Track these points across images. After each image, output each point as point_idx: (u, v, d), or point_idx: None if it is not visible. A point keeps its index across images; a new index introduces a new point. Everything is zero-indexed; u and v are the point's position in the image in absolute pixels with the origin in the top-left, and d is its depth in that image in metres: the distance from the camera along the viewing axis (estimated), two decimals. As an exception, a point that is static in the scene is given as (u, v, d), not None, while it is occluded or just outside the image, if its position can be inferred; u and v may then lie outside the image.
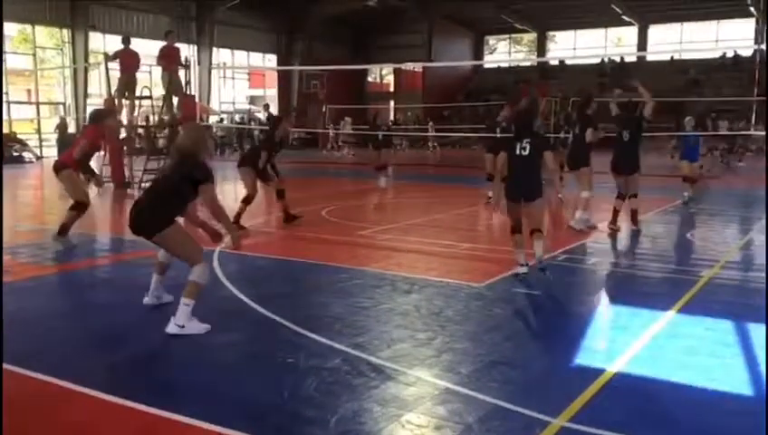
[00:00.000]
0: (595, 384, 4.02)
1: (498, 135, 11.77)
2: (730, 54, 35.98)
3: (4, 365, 4.15)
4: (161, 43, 14.97)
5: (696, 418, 3.70)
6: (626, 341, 4.84)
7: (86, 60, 26.56)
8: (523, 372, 4.29)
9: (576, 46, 43.36)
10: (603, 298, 6.32)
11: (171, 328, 4.91)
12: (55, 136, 26.07)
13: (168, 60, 14.30)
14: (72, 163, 8.20)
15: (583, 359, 4.55)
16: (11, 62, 26.14)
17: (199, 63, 30.72)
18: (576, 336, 5.00)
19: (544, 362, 4.54)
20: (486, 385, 4.00)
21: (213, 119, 31.29)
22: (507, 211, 6.86)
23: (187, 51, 17.41)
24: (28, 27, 26.56)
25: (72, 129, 26.85)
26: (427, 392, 3.95)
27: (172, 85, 14.24)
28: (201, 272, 5.05)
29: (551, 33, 44.73)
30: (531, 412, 3.61)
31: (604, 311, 5.86)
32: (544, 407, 3.66)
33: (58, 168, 8.22)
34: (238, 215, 9.10)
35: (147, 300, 5.61)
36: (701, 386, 4.06)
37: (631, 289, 6.63)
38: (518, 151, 6.62)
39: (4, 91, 24.91)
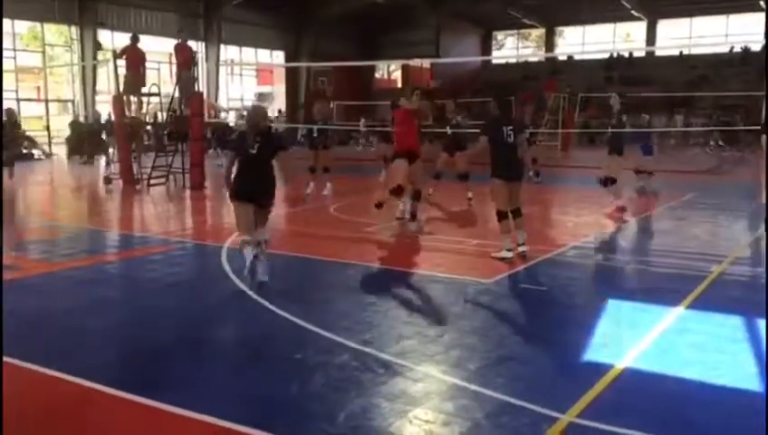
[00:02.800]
0: (604, 380, 4.02)
1: (449, 132, 11.78)
2: (739, 49, 35.72)
3: (12, 361, 4.20)
4: (169, 40, 15.06)
5: (704, 414, 3.69)
6: (634, 337, 4.83)
7: (94, 57, 26.63)
8: (531, 368, 4.30)
9: (584, 42, 43.13)
10: (611, 294, 6.30)
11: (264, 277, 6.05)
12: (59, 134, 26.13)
13: (179, 57, 14.40)
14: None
15: (592, 355, 4.55)
16: (20, 59, 26.24)
17: (207, 60, 30.76)
18: (584, 332, 5.00)
19: (553, 357, 4.54)
20: (494, 381, 4.01)
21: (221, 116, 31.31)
22: (498, 191, 7.32)
23: (194, 48, 17.52)
24: (38, 25, 26.68)
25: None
26: (435, 388, 3.96)
27: (182, 82, 14.30)
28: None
29: (559, 28, 44.50)
30: (539, 408, 3.62)
31: (612, 307, 5.84)
32: (552, 403, 3.66)
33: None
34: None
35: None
36: (709, 382, 4.06)
37: (639, 285, 6.61)
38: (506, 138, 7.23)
39: (13, 88, 25.07)
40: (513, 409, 3.66)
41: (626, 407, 3.72)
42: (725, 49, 35.95)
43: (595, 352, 4.60)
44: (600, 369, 4.20)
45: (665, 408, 3.74)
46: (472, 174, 11.56)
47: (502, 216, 7.31)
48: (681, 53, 37.42)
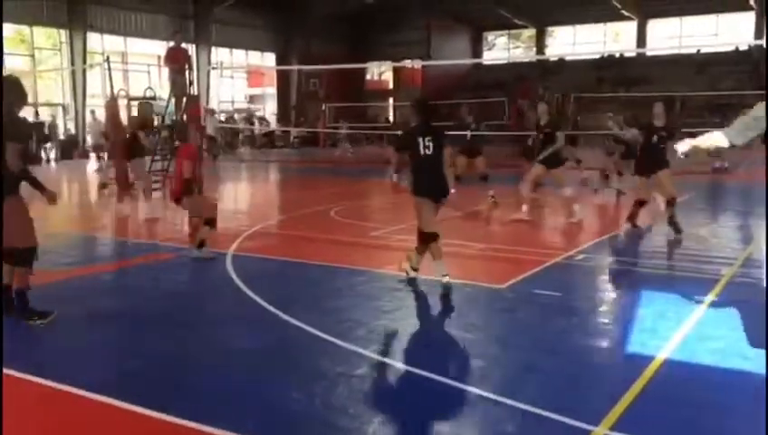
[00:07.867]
0: (632, 390, 3.91)
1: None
2: (729, 48, 35.93)
3: (17, 373, 4.10)
4: (159, 43, 14.90)
5: (734, 422, 3.62)
6: (656, 344, 4.74)
7: (84, 60, 26.38)
8: (555, 377, 4.21)
9: (575, 42, 43.26)
10: (624, 299, 6.24)
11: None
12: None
13: (173, 61, 14.21)
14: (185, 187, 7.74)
15: (617, 363, 4.48)
16: (8, 63, 25.92)
17: (198, 63, 30.57)
18: (605, 339, 4.93)
19: (577, 366, 4.44)
20: (519, 391, 3.91)
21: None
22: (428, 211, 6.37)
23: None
24: (25, 28, 26.39)
25: (72, 130, 26.75)
26: (459, 400, 3.86)
27: (176, 86, 14.13)
28: None
29: (549, 28, 44.62)
30: (570, 420, 3.51)
31: (628, 313, 5.77)
32: (582, 414, 3.56)
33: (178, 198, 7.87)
34: None
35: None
36: (736, 387, 4.00)
37: (653, 289, 6.54)
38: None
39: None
40: (542, 420, 3.56)
41: (659, 417, 3.63)
42: (716, 49, 36.18)
43: (620, 360, 4.53)
44: (627, 378, 4.09)
45: (695, 416, 3.65)
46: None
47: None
48: (675, 52, 37.64)
